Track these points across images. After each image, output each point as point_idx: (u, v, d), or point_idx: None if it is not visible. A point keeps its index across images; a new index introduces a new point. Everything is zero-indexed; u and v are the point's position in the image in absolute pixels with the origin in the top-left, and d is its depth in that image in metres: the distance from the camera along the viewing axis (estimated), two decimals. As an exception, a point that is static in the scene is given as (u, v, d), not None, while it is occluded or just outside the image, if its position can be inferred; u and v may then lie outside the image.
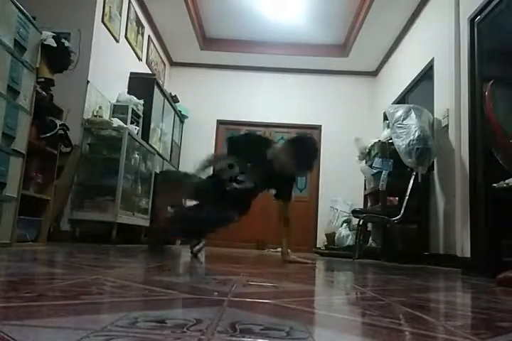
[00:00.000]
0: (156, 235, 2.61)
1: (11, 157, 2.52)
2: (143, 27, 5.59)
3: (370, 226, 4.77)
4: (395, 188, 4.09)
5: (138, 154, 4.65)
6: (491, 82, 2.75)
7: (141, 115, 5.00)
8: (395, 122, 3.98)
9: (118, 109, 4.65)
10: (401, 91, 5.37)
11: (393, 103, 5.35)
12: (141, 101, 4.97)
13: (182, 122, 6.78)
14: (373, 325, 0.80)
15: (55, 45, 2.97)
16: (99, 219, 3.92)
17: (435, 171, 4.07)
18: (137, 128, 4.74)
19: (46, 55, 2.95)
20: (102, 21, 4.32)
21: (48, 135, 2.99)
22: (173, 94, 6.22)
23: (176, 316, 0.77)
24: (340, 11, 5.51)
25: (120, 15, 4.78)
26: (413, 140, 3.74)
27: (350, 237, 5.30)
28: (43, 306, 0.78)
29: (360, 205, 5.45)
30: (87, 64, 4.05)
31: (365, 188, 5.33)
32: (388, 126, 4.25)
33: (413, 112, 3.93)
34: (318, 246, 6.30)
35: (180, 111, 6.50)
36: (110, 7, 4.48)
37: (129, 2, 5.06)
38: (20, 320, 0.64)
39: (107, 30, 4.45)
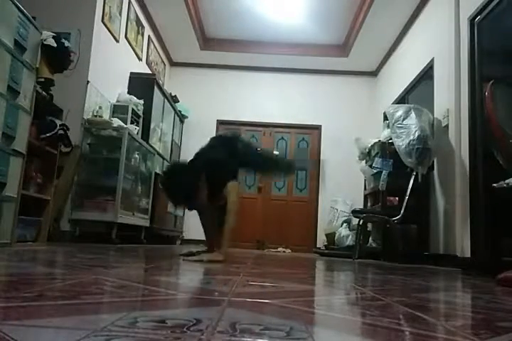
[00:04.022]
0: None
1: (11, 157, 2.52)
2: (143, 27, 5.59)
3: (370, 226, 4.77)
4: (395, 188, 4.09)
5: (138, 154, 4.64)
6: (491, 82, 2.75)
7: (141, 115, 5.00)
8: (395, 122, 3.98)
9: (118, 109, 4.65)
10: (401, 91, 5.37)
11: (393, 103, 5.35)
12: (141, 101, 4.97)
13: (182, 122, 6.78)
14: (373, 325, 0.80)
15: (55, 45, 2.97)
16: (99, 219, 3.92)
17: (435, 171, 4.07)
18: (137, 128, 4.74)
19: (46, 55, 2.95)
20: (102, 21, 4.32)
21: (47, 135, 2.99)
22: (173, 94, 6.22)
23: (175, 316, 0.77)
24: (340, 11, 5.51)
25: (120, 15, 4.78)
26: (413, 140, 3.75)
27: (350, 237, 5.29)
28: (43, 306, 0.78)
29: (360, 205, 5.45)
30: (87, 64, 4.05)
31: (365, 188, 5.32)
32: (388, 126, 4.25)
33: (413, 112, 3.93)
34: (318, 246, 6.30)
35: (180, 111, 6.50)
36: (110, 7, 4.48)
37: (129, 2, 5.06)
38: (20, 320, 0.64)
39: (107, 30, 4.44)
